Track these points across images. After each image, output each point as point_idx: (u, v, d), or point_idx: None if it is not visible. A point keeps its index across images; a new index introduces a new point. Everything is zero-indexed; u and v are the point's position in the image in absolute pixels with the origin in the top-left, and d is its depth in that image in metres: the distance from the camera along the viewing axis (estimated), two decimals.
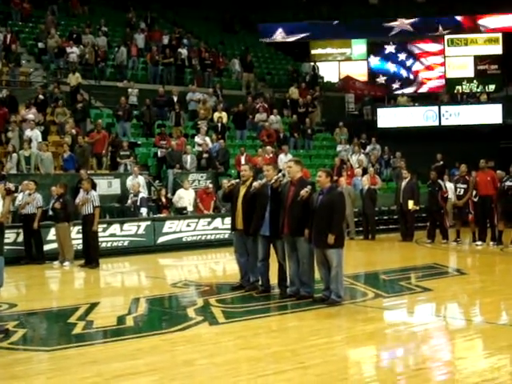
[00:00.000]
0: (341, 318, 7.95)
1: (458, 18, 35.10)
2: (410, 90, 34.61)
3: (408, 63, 35.39)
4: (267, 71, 30.22)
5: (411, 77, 35.27)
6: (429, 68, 35.32)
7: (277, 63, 31.73)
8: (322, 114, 27.11)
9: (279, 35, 35.09)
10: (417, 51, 35.55)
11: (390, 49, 35.42)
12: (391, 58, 35.50)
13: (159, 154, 19.39)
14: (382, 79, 35.16)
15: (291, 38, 35.12)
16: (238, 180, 10.76)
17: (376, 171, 21.05)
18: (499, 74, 34.32)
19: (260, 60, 30.94)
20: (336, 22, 35.19)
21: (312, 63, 31.36)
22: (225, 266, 14.09)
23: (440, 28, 35.28)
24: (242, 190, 9.44)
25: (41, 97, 20.00)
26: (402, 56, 35.43)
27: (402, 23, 35.38)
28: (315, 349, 6.36)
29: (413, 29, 35.36)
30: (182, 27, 29.63)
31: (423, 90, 35.08)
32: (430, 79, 35.37)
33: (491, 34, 34.90)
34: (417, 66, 35.44)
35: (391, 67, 35.46)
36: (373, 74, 35.20)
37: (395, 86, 34.94)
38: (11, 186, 7.91)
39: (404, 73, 35.46)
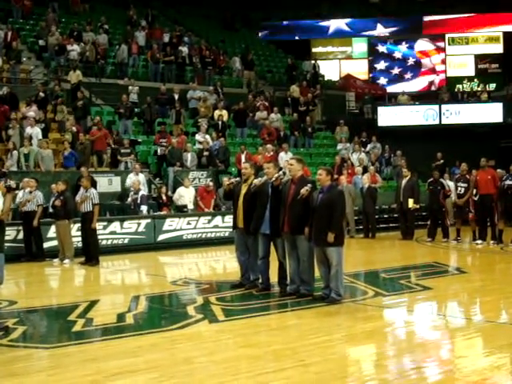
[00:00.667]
0: (341, 316, 7.94)
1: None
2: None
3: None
4: (268, 69, 30.22)
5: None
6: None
7: (277, 61, 31.72)
8: (323, 112, 27.13)
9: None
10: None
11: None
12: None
13: (159, 151, 19.38)
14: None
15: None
16: (238, 178, 10.75)
17: (376, 170, 21.08)
18: (500, 73, 34.35)
19: (261, 58, 30.93)
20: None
21: (313, 61, 31.36)
22: (225, 264, 14.10)
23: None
24: (244, 189, 9.44)
25: (41, 94, 20.00)
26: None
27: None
28: (315, 347, 6.37)
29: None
30: (183, 25, 29.66)
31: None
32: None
33: (492, 33, 34.91)
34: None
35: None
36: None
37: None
38: (12, 183, 7.90)
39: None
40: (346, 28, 35.69)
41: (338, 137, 24.65)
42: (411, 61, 35.70)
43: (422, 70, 35.70)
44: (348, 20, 35.61)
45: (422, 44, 35.75)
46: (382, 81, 35.51)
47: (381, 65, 35.78)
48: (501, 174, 15.72)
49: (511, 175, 15.04)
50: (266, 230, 9.06)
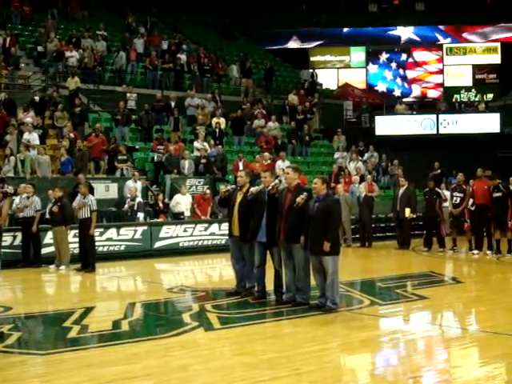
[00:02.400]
0: (336, 325, 7.95)
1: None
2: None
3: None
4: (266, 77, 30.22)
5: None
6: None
7: (275, 70, 31.73)
8: (321, 120, 27.13)
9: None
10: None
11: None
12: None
13: (155, 158, 19.34)
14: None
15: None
16: (233, 186, 10.76)
17: (373, 179, 21.06)
18: (497, 83, 34.47)
19: (259, 66, 30.98)
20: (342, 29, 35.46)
21: (311, 70, 31.39)
22: (221, 271, 14.09)
23: (440, 38, 35.61)
24: (239, 197, 9.45)
25: (36, 98, 19.96)
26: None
27: (406, 31, 35.68)
28: (310, 355, 6.36)
29: (418, 37, 35.70)
30: (182, 33, 29.69)
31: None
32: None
33: (490, 44, 35.07)
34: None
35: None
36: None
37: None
38: (9, 189, 7.89)
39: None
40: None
41: (336, 145, 24.68)
42: (409, 70, 35.81)
43: (420, 79, 35.77)
44: (347, 29, 35.76)
45: (420, 54, 35.86)
46: (380, 90, 35.59)
47: (378, 74, 35.87)
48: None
49: (496, 187, 15.05)
50: (263, 239, 9.06)
